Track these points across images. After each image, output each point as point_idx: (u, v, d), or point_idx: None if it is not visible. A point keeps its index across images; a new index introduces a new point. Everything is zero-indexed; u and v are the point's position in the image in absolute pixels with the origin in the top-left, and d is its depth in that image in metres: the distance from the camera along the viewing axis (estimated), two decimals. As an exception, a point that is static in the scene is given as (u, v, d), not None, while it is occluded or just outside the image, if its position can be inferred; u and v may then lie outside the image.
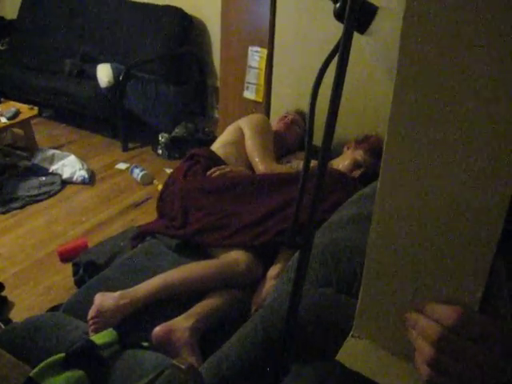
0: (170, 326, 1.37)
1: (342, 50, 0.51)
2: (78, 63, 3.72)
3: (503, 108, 0.42)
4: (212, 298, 1.50)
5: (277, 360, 0.85)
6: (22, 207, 2.74)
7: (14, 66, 3.91)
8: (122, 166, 3.26)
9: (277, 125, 2.45)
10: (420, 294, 0.52)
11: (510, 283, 0.51)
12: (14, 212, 2.70)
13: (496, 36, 0.40)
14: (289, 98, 2.76)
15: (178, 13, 3.48)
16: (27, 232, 2.54)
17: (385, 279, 0.55)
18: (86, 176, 3.02)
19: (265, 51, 2.75)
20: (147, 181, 3.04)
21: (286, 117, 2.50)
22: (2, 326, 1.78)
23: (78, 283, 1.97)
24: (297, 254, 1.16)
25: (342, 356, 0.61)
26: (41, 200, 2.82)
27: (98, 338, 1.23)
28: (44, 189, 2.90)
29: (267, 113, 2.86)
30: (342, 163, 2.12)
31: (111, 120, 3.56)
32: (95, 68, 3.40)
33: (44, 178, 2.98)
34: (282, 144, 2.37)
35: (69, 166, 3.05)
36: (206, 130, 3.47)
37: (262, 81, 2.82)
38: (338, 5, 0.76)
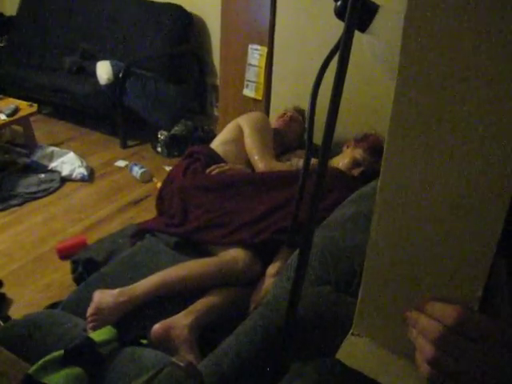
0: (168, 324, 1.37)
1: (342, 48, 0.51)
2: (77, 60, 3.71)
3: (504, 107, 0.42)
4: (211, 295, 1.50)
5: (276, 358, 0.85)
6: (20, 204, 2.74)
7: (13, 62, 3.89)
8: (121, 163, 3.26)
9: (276, 122, 2.46)
10: (420, 293, 0.52)
11: (510, 283, 0.51)
12: (13, 209, 2.70)
13: (497, 35, 0.40)
14: (288, 95, 2.77)
15: (177, 10, 3.47)
16: (26, 229, 2.54)
17: (385, 278, 0.55)
18: (85, 173, 3.01)
19: (265, 49, 2.75)
20: (146, 178, 3.04)
21: (284, 114, 2.50)
22: (1, 323, 1.78)
23: (77, 280, 1.97)
24: (296, 253, 1.16)
25: (342, 354, 0.61)
26: (40, 197, 2.81)
27: (97, 336, 1.23)
28: (43, 186, 2.89)
29: (267, 111, 2.86)
30: (341, 162, 2.12)
31: (111, 117, 3.55)
32: (95, 65, 3.39)
33: (43, 175, 2.98)
34: (281, 141, 2.37)
35: (68, 163, 3.05)
36: (206, 127, 3.47)
37: (261, 79, 2.82)
38: (338, 3, 0.76)
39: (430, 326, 0.48)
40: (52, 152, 3.12)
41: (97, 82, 3.31)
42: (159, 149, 3.37)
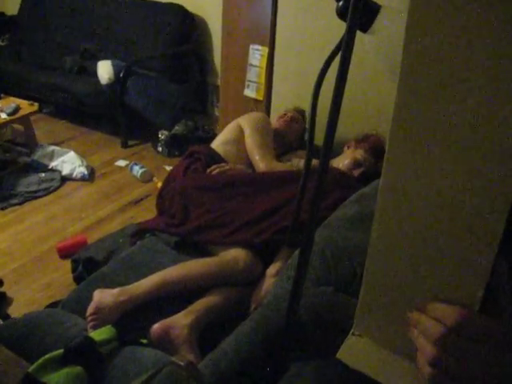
0: (168, 323, 1.37)
1: (344, 48, 0.51)
2: (78, 60, 3.72)
3: (505, 107, 0.42)
4: (211, 295, 1.50)
5: (275, 358, 0.85)
6: (21, 203, 2.74)
7: (14, 62, 3.90)
8: (121, 162, 3.26)
9: (276, 123, 2.46)
10: (421, 294, 0.52)
11: (511, 283, 0.51)
12: (14, 208, 2.70)
13: (502, 32, 0.40)
14: (289, 96, 2.77)
15: (179, 10, 3.47)
16: (26, 228, 2.54)
17: (386, 278, 0.55)
18: (86, 172, 3.01)
19: (266, 49, 2.75)
20: (147, 178, 3.04)
21: (285, 114, 2.50)
22: (1, 322, 1.78)
23: (77, 280, 1.97)
24: (297, 253, 1.16)
25: (343, 354, 0.61)
26: (40, 196, 2.81)
27: (97, 335, 1.23)
28: (43, 185, 2.89)
29: (268, 111, 2.86)
30: (342, 162, 2.12)
31: (111, 117, 3.55)
32: (96, 65, 3.39)
33: (43, 175, 2.98)
34: (281, 142, 2.37)
35: (68, 162, 3.05)
36: (206, 127, 3.47)
37: (262, 79, 2.82)
38: (340, 3, 0.76)
39: (432, 326, 0.48)
40: (52, 151, 3.13)
41: (98, 81, 3.31)
42: (160, 148, 3.37)
